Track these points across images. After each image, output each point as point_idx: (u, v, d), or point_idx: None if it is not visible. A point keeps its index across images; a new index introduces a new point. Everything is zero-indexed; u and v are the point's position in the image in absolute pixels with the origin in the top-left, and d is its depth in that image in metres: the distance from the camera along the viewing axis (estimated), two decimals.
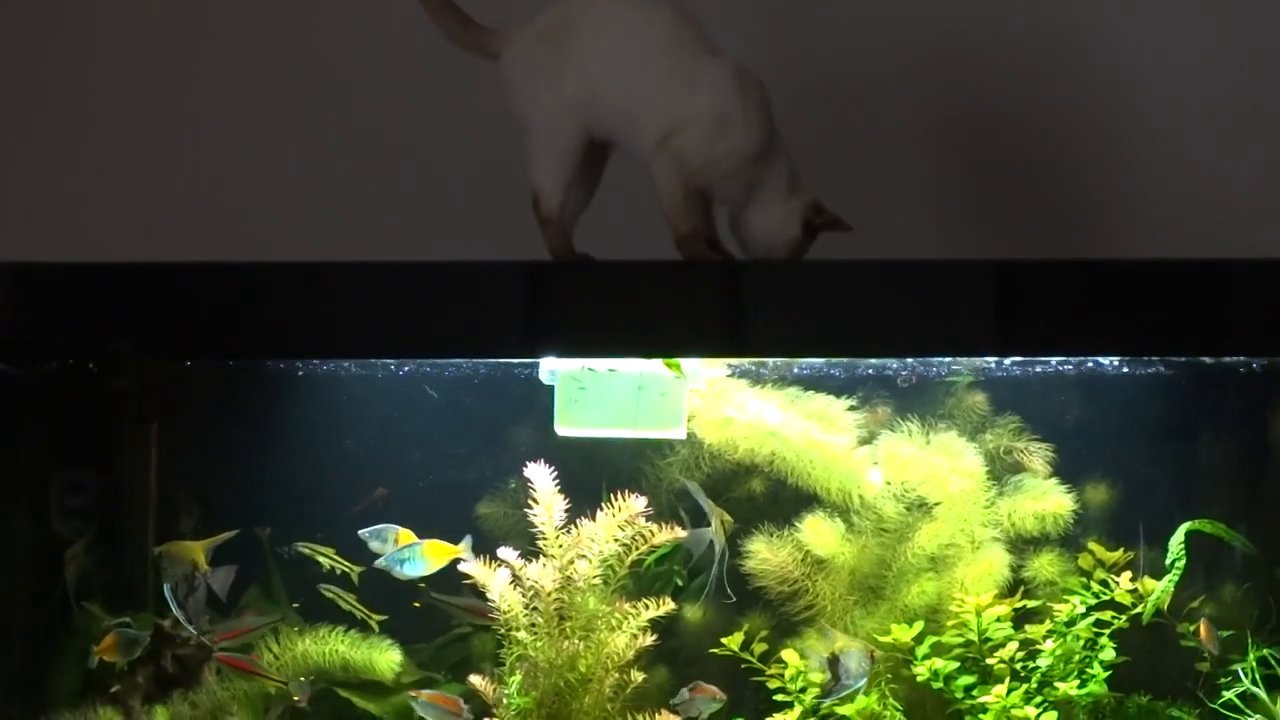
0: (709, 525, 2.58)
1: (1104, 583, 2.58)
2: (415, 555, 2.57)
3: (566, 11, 2.41)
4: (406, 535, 2.58)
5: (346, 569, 2.63)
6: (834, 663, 2.53)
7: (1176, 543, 2.56)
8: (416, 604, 2.61)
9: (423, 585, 2.59)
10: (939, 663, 2.57)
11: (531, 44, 2.41)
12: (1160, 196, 2.86)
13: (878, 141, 2.88)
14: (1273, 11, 2.86)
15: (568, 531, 2.55)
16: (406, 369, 2.61)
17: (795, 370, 2.59)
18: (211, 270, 2.38)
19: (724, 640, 2.59)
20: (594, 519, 2.54)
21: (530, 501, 2.54)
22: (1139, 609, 2.57)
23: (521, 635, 2.54)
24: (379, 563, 2.58)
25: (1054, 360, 2.54)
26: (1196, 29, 2.87)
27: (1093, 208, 2.87)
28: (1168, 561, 2.56)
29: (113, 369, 2.58)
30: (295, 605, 2.65)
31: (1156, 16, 2.87)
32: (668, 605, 2.56)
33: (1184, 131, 2.87)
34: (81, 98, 2.93)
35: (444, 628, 2.66)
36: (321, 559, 2.62)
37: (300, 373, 2.60)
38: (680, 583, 2.65)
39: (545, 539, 2.54)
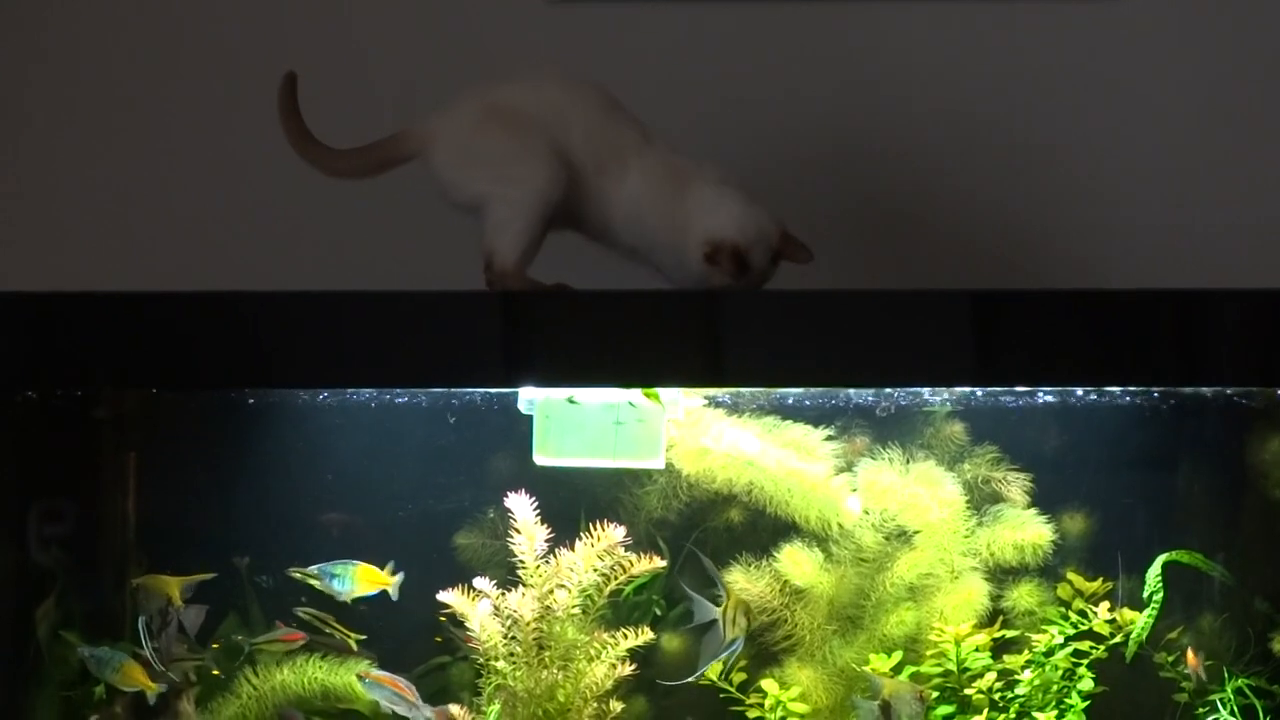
0: (719, 604, 2.56)
1: (1082, 613, 2.59)
2: (347, 574, 2.58)
3: (513, 96, 2.40)
4: (367, 570, 2.59)
5: (333, 594, 2.63)
6: (886, 709, 2.52)
7: (1154, 575, 2.56)
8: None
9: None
10: None
11: (482, 126, 2.39)
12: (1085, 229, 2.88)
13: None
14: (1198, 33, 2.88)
15: (547, 561, 2.55)
16: (384, 398, 2.61)
17: (773, 400, 2.59)
18: (189, 299, 2.38)
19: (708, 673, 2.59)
20: (571, 548, 2.54)
21: (509, 531, 2.54)
22: (1117, 639, 2.57)
23: (500, 665, 2.55)
24: (310, 568, 2.59)
25: (1033, 390, 2.54)
26: (1128, 58, 2.88)
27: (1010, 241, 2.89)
28: (1145, 594, 2.56)
29: (89, 398, 2.58)
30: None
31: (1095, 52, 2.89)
32: (646, 635, 2.57)
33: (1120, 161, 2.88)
34: (50, 123, 2.93)
35: (424, 656, 2.66)
36: (314, 583, 2.62)
37: (277, 402, 2.60)
38: (659, 612, 2.65)
39: (525, 568, 2.54)
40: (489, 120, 2.39)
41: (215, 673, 2.62)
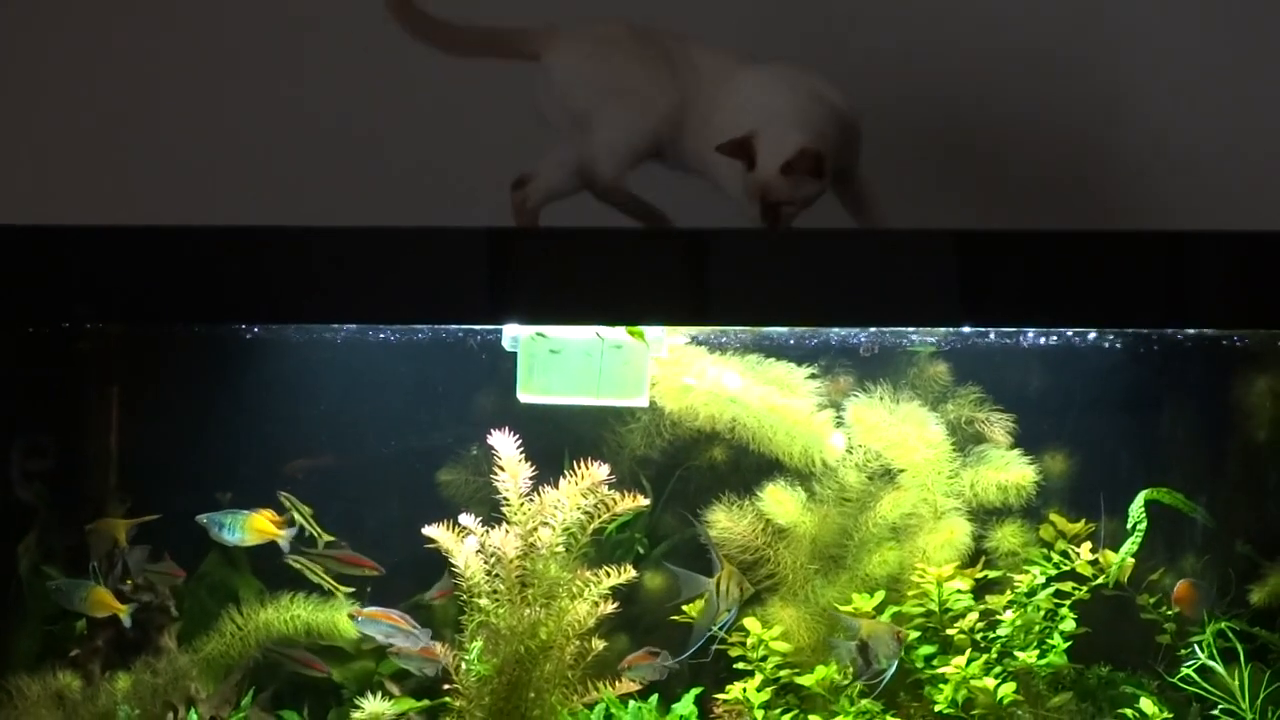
0: (714, 576, 2.57)
1: (1065, 554, 2.59)
2: (237, 524, 2.60)
3: (619, 32, 2.43)
4: (258, 520, 2.60)
5: (317, 534, 2.63)
6: (864, 649, 2.53)
7: (1136, 508, 2.57)
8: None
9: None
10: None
11: (613, 43, 2.42)
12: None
13: None
14: None
15: (530, 499, 2.55)
16: (370, 334, 2.61)
17: (757, 339, 2.59)
18: (174, 234, 2.37)
19: (685, 608, 2.59)
20: (555, 486, 2.54)
21: (492, 468, 2.54)
22: (1099, 580, 2.58)
23: (483, 602, 2.55)
24: (200, 517, 2.60)
25: (1017, 331, 2.54)
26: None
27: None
28: (1129, 525, 2.57)
29: (73, 333, 2.57)
30: None
31: None
32: (629, 573, 2.57)
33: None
34: (43, 59, 2.92)
35: (406, 593, 2.66)
36: (297, 516, 2.62)
37: (262, 338, 2.60)
38: (641, 550, 2.65)
39: (509, 506, 2.54)
40: (621, 39, 2.42)
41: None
